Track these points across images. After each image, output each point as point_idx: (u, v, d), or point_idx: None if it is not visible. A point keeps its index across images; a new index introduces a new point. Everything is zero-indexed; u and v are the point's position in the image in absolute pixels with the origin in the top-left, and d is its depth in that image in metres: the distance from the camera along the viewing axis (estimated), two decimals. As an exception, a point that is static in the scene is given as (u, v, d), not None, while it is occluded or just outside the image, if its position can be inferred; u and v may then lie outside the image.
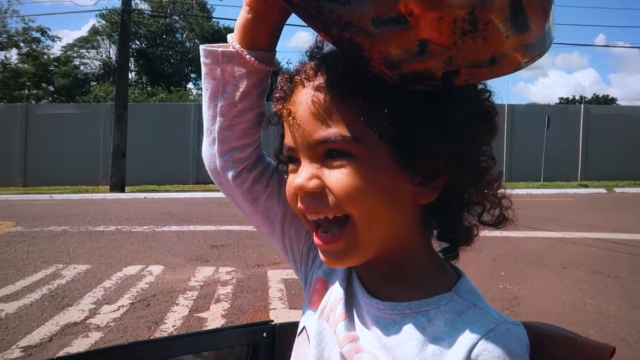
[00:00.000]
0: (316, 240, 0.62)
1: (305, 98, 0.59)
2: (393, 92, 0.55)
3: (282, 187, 0.72)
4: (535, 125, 16.70)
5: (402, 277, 0.64)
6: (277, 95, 0.65)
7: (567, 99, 43.54)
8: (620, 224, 8.04)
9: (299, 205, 0.62)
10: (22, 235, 6.81)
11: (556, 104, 36.09)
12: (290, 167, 0.64)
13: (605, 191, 14.95)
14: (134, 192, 14.31)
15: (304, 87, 0.60)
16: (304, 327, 0.73)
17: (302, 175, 0.59)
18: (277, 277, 4.59)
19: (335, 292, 0.70)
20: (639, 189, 15.17)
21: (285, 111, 0.63)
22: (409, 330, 0.60)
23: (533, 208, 10.29)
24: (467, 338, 0.56)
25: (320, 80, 0.59)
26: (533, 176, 16.74)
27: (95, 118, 17.37)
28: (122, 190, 14.35)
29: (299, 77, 0.61)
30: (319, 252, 0.64)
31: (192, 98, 28.94)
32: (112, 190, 14.32)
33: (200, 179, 17.15)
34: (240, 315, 3.64)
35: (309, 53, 0.64)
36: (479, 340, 0.55)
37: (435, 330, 0.58)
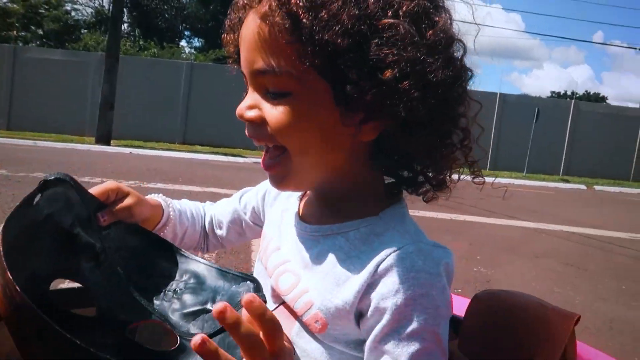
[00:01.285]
0: (261, 162, 0.68)
1: (250, 24, 0.61)
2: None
3: (241, 224, 0.97)
4: (524, 117, 16.88)
5: (335, 204, 0.69)
6: (228, 22, 0.69)
7: (558, 93, 43.85)
8: (595, 221, 8.29)
9: (245, 130, 0.67)
10: (7, 179, 6.78)
11: (547, 97, 36.38)
12: (244, 90, 0.68)
13: (584, 188, 15.28)
14: (119, 146, 14.19)
15: (249, 11, 0.62)
16: None
17: (244, 103, 0.64)
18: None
19: (270, 231, 0.81)
20: (618, 188, 15.55)
21: (232, 33, 0.68)
22: (327, 249, 0.65)
23: (514, 198, 10.52)
24: (378, 255, 0.60)
25: (262, 7, 0.59)
26: (517, 167, 17.01)
27: (85, 67, 17.04)
28: (108, 144, 14.23)
29: (250, 8, 0.62)
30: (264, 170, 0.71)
31: (184, 56, 28.43)
32: (98, 142, 14.18)
33: (187, 139, 17.08)
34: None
35: None
36: (387, 256, 0.59)
37: (351, 249, 0.63)
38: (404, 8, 0.57)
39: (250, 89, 0.64)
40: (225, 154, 14.45)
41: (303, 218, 0.74)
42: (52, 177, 0.67)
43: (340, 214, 0.68)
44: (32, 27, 31.64)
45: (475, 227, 6.67)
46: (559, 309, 0.70)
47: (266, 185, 0.89)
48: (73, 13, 34.01)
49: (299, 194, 0.79)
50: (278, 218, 0.80)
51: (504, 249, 5.58)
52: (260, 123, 0.62)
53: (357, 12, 0.55)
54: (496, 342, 0.71)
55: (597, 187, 15.46)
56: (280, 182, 0.67)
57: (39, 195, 0.64)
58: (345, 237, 0.65)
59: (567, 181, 16.41)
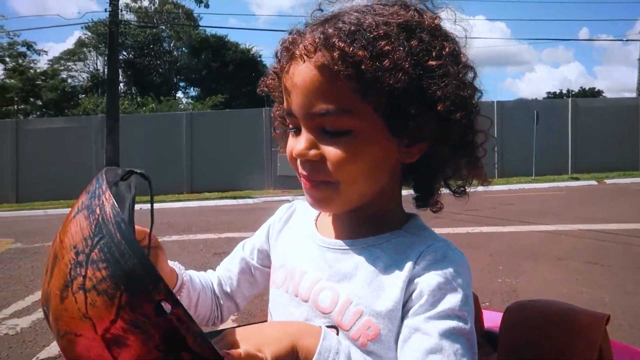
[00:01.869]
0: (304, 182, 0.71)
1: (305, 72, 0.65)
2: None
3: (252, 274, 0.94)
4: (524, 121, 16.90)
5: (367, 220, 0.75)
6: (273, 70, 0.75)
7: (554, 93, 43.99)
8: (611, 215, 8.22)
9: (299, 168, 0.71)
10: (24, 252, 6.85)
11: (544, 98, 36.48)
12: (291, 130, 0.72)
13: (596, 183, 15.18)
14: (129, 203, 14.29)
15: (303, 62, 0.66)
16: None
17: (302, 143, 0.67)
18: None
19: (289, 259, 0.81)
20: (629, 180, 15.42)
21: (284, 80, 0.70)
22: (365, 261, 0.71)
23: (526, 202, 10.48)
24: (411, 256, 0.68)
25: (320, 57, 0.64)
26: (525, 171, 16.94)
27: (86, 131, 17.33)
28: (118, 202, 14.34)
29: (298, 52, 0.67)
30: (306, 196, 0.73)
31: (182, 107, 28.94)
32: (108, 202, 14.29)
33: (195, 187, 17.18)
34: (250, 320, 3.73)
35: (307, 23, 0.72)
36: (422, 252, 0.68)
37: (387, 258, 0.70)
38: (446, 50, 0.67)
39: (303, 130, 0.68)
40: (234, 197, 14.53)
41: (329, 236, 0.78)
42: (139, 172, 0.70)
43: (369, 229, 0.74)
44: (31, 99, 32.41)
45: (494, 238, 6.63)
46: (588, 311, 0.72)
47: (268, 223, 0.93)
48: (69, 80, 34.89)
49: (313, 217, 0.84)
50: (294, 245, 0.83)
51: (525, 256, 5.54)
52: (319, 161, 0.67)
53: (414, 58, 0.64)
54: (534, 352, 0.73)
55: (608, 181, 15.35)
56: (325, 205, 0.72)
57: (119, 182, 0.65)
58: (380, 249, 0.71)
59: (577, 179, 16.31)
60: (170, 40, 35.83)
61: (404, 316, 0.65)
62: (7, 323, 3.85)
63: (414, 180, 0.78)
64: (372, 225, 0.74)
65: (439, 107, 0.64)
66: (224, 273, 0.97)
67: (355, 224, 0.75)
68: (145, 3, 35.15)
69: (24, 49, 30.58)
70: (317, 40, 0.65)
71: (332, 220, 0.80)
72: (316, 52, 0.64)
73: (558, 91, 43.68)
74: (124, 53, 33.53)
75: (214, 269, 1.00)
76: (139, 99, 28.66)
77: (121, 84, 32.61)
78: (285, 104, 0.71)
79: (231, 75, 32.22)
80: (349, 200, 0.71)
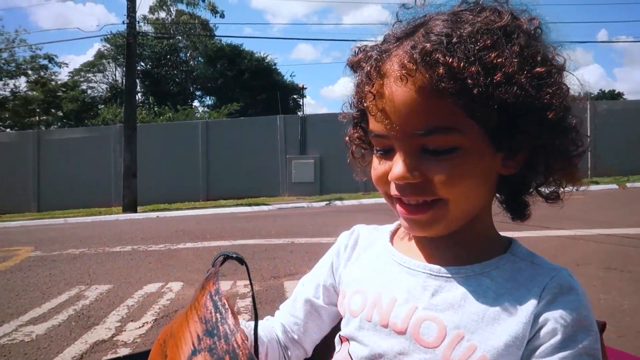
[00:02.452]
0: (400, 209, 0.67)
1: (403, 92, 0.60)
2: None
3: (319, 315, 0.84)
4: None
5: (467, 242, 0.69)
6: (363, 81, 0.66)
7: (573, 95, 43.44)
8: (632, 219, 8.04)
9: (393, 192, 0.66)
10: (42, 260, 6.96)
11: (562, 102, 35.95)
12: (379, 152, 0.67)
13: (616, 187, 14.89)
14: (146, 211, 14.48)
15: (401, 81, 0.60)
16: (343, 341, 0.76)
17: (402, 166, 0.63)
18: (294, 288, 4.67)
19: (369, 284, 0.73)
20: (650, 183, 15.10)
21: (373, 100, 0.64)
22: (475, 290, 0.65)
23: (545, 207, 10.20)
24: (533, 287, 0.63)
25: (421, 75, 0.59)
26: (542, 175, 16.72)
27: (105, 140, 17.66)
28: (135, 211, 14.54)
29: (392, 71, 0.62)
30: (401, 221, 0.69)
31: (198, 116, 29.25)
32: (125, 210, 14.51)
33: (211, 195, 17.34)
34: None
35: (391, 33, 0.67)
36: (546, 285, 0.63)
37: (499, 288, 0.64)
38: (550, 55, 0.64)
39: (400, 152, 0.63)
40: (250, 204, 14.59)
41: (419, 259, 0.71)
42: (234, 255, 0.65)
43: (471, 254, 0.69)
44: (53, 110, 33.11)
45: (509, 243, 6.54)
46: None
47: (329, 255, 0.86)
48: (89, 91, 35.59)
49: (387, 240, 0.78)
50: (373, 269, 0.75)
51: (542, 261, 5.44)
52: (421, 183, 0.63)
53: (527, 68, 0.60)
54: None
55: (629, 185, 15.05)
56: (428, 228, 0.66)
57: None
58: (489, 277, 0.66)
59: (597, 182, 16.02)
60: (186, 50, 36.34)
61: (528, 355, 0.61)
62: (23, 330, 3.91)
63: (505, 193, 0.73)
64: (473, 249, 0.69)
65: (549, 116, 0.61)
66: (288, 319, 0.86)
67: (453, 248, 0.70)
68: (162, 15, 35.80)
69: (45, 62, 31.29)
70: (415, 56, 0.59)
71: (416, 244, 0.74)
72: (417, 70, 0.59)
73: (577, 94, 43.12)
74: (142, 64, 34.11)
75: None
76: (156, 109, 29.07)
77: (139, 94, 33.15)
78: (371, 125, 0.67)
79: (246, 83, 32.52)
80: (457, 219, 0.66)
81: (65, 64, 33.48)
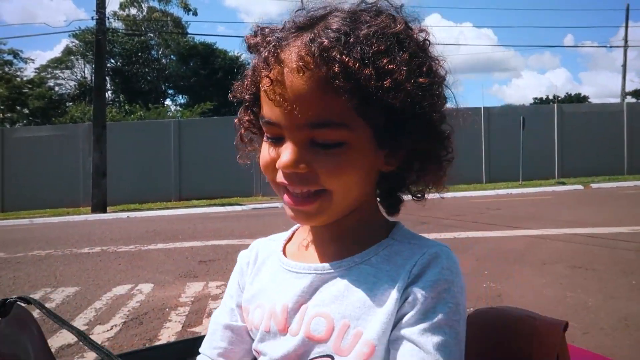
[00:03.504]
0: (286, 199, 0.68)
1: (298, 83, 0.61)
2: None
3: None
4: (511, 127, 17.05)
5: (349, 235, 0.73)
6: (260, 65, 0.66)
7: (540, 98, 44.46)
8: (597, 219, 8.29)
9: (279, 179, 0.67)
10: (6, 262, 6.75)
11: (530, 104, 36.89)
12: (269, 139, 0.68)
13: (582, 187, 15.33)
14: (116, 211, 14.19)
15: (297, 72, 0.61)
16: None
17: (290, 156, 0.64)
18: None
19: (265, 296, 0.75)
20: (614, 184, 15.59)
21: (269, 88, 0.64)
22: (356, 279, 0.68)
23: (514, 207, 10.54)
24: (406, 265, 0.66)
25: (317, 69, 0.61)
26: (512, 176, 17.09)
27: (73, 139, 17.21)
28: (104, 211, 14.23)
29: (289, 60, 0.62)
30: (286, 209, 0.69)
31: (170, 114, 28.82)
32: (94, 211, 14.19)
33: (183, 195, 17.10)
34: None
35: (294, 21, 0.67)
36: (416, 261, 0.66)
37: (377, 272, 0.67)
38: (434, 67, 0.68)
39: (289, 141, 0.65)
40: (223, 204, 14.46)
41: (310, 263, 0.73)
42: (14, 298, 0.56)
43: (354, 245, 0.72)
44: (18, 107, 32.12)
45: (480, 243, 6.65)
46: (547, 319, 0.71)
47: (234, 276, 0.85)
48: (57, 88, 34.66)
49: (280, 249, 0.80)
50: (268, 282, 0.77)
51: (511, 260, 5.56)
52: (308, 173, 0.65)
53: (414, 77, 0.63)
54: (492, 359, 0.72)
55: (593, 185, 15.50)
56: (313, 218, 0.69)
57: None
58: (369, 265, 0.69)
59: (563, 183, 16.46)
60: (158, 48, 35.76)
61: (394, 327, 0.64)
62: (-15, 335, 3.78)
63: (382, 188, 0.76)
64: (355, 240, 0.72)
65: (429, 123, 0.66)
66: (212, 353, 0.81)
67: (337, 243, 0.73)
68: (134, 11, 35.15)
69: (10, 57, 30.38)
70: (313, 49, 0.61)
71: (307, 246, 0.77)
72: (314, 64, 0.61)
73: (544, 97, 44.17)
74: (112, 61, 33.43)
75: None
76: (127, 107, 28.51)
77: (109, 92, 32.48)
78: (264, 111, 0.67)
79: (220, 82, 32.16)
80: (341, 210, 0.69)
81: (32, 59, 32.76)
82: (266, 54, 0.65)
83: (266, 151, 0.69)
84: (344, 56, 0.60)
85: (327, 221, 0.70)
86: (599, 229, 7.20)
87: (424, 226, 7.42)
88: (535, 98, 45.71)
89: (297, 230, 0.84)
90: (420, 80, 0.63)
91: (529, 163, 16.93)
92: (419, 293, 0.63)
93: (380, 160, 0.68)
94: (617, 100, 26.54)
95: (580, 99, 42.56)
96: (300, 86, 0.61)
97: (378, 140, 0.66)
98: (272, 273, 0.78)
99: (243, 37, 0.74)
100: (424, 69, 0.65)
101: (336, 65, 0.60)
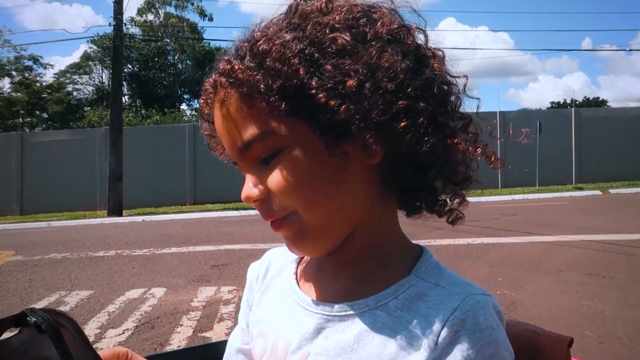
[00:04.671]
0: (271, 225, 0.62)
1: (218, 115, 0.60)
2: None
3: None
4: (527, 131, 16.85)
5: (358, 267, 0.62)
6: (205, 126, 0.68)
7: (558, 103, 43.97)
8: (615, 225, 8.14)
9: (261, 214, 0.62)
10: (23, 264, 6.85)
11: (547, 108, 36.45)
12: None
13: (600, 193, 15.08)
14: (131, 215, 14.34)
15: (214, 106, 0.62)
16: None
17: (246, 185, 0.60)
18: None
19: (271, 327, 0.68)
20: (633, 190, 15.31)
21: (208, 132, 0.66)
22: (369, 329, 0.57)
23: (529, 213, 10.41)
24: (432, 320, 0.54)
25: (222, 92, 0.59)
26: (528, 181, 16.88)
27: (91, 143, 17.46)
28: (120, 214, 14.39)
29: (206, 99, 0.64)
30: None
31: (186, 119, 29.08)
32: (110, 214, 14.35)
33: (197, 199, 17.21)
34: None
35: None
36: (445, 323, 0.53)
37: (396, 323, 0.56)
38: (381, 28, 0.57)
39: (245, 171, 0.61)
40: (237, 209, 14.51)
41: (319, 298, 0.63)
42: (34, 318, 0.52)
43: (369, 283, 0.61)
44: (37, 112, 32.72)
45: (494, 249, 6.57)
46: (551, 334, 0.69)
47: (246, 289, 0.80)
48: (75, 93, 35.24)
49: (292, 270, 0.72)
50: (274, 307, 0.70)
51: (526, 267, 5.48)
52: (267, 197, 0.59)
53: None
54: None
55: (612, 191, 15.24)
56: (296, 241, 0.61)
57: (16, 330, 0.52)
58: (385, 311, 0.57)
59: (581, 189, 16.22)
60: (174, 53, 36.16)
61: None
62: None
63: (399, 183, 0.61)
64: (368, 275, 0.61)
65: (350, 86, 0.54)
66: None
67: (347, 277, 0.63)
68: (150, 17, 35.64)
69: (30, 63, 30.99)
70: (211, 81, 0.62)
71: (318, 271, 0.67)
72: (221, 84, 0.59)
73: (562, 101, 43.67)
74: (129, 66, 33.86)
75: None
76: (143, 111, 28.86)
77: (126, 97, 32.90)
78: (225, 153, 0.65)
79: (235, 87, 32.46)
80: (323, 230, 0.59)
81: (51, 65, 33.23)
82: (204, 96, 0.65)
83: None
84: (232, 59, 0.59)
85: (319, 248, 0.61)
86: (617, 236, 7.07)
87: (438, 232, 7.36)
88: (553, 102, 45.25)
89: None
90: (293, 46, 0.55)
91: (546, 168, 16.71)
92: None
93: (357, 154, 0.57)
94: (637, 104, 26.10)
95: (598, 103, 42.01)
96: (221, 118, 0.60)
97: (316, 128, 0.55)
98: (281, 297, 0.69)
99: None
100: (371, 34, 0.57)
101: (223, 79, 0.59)
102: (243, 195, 0.60)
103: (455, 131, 0.60)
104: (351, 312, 0.59)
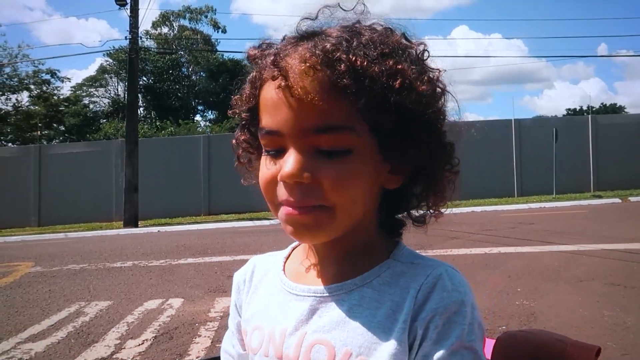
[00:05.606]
0: (286, 211, 0.63)
1: (303, 85, 0.59)
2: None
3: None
4: (543, 139, 16.71)
5: (350, 256, 0.69)
6: (257, 76, 0.66)
7: (574, 109, 43.54)
8: (636, 233, 7.99)
9: (281, 196, 0.63)
10: (42, 275, 6.94)
11: (563, 115, 36.13)
12: (270, 153, 0.65)
13: (619, 201, 14.83)
14: (147, 226, 14.46)
15: (301, 77, 0.59)
16: None
17: (294, 164, 0.60)
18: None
19: (264, 319, 0.72)
20: (653, 197, 15.05)
21: (267, 97, 0.63)
22: (358, 304, 0.65)
23: (547, 222, 10.27)
24: (410, 289, 0.63)
25: (321, 71, 0.59)
26: (545, 190, 16.68)
27: (107, 155, 17.68)
28: (136, 225, 14.52)
29: (297, 67, 0.60)
30: (285, 225, 0.65)
31: (200, 130, 29.35)
32: (126, 225, 14.49)
33: (212, 210, 17.31)
34: None
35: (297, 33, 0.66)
36: (421, 285, 0.62)
37: (380, 295, 0.64)
38: (435, 77, 0.66)
39: (293, 150, 0.61)
40: (251, 219, 14.57)
41: (310, 285, 0.70)
42: None
43: (354, 266, 0.68)
44: (54, 125, 33.26)
45: (512, 258, 6.50)
46: (579, 343, 0.69)
47: (232, 294, 0.83)
48: (91, 106, 35.80)
49: (280, 268, 0.76)
50: (266, 303, 0.74)
51: (545, 277, 5.40)
52: (310, 184, 0.61)
53: (428, 83, 0.63)
54: (524, 386, 0.70)
55: (632, 199, 14.98)
56: (314, 234, 0.64)
57: None
58: (370, 287, 0.65)
59: (599, 197, 15.98)
60: (188, 65, 36.60)
61: (409, 352, 0.60)
62: (22, 347, 3.88)
63: (382, 208, 0.71)
64: (356, 261, 0.68)
65: (435, 131, 0.64)
66: None
67: (337, 264, 0.69)
68: (165, 30, 36.16)
69: (47, 77, 31.54)
70: (317, 52, 0.59)
71: (307, 265, 0.73)
72: (318, 66, 0.59)
73: (578, 108, 43.22)
74: (144, 78, 34.34)
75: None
76: (158, 123, 29.19)
77: (141, 109, 33.32)
78: (264, 122, 0.64)
79: (248, 98, 32.68)
80: (342, 226, 0.64)
81: (68, 78, 33.86)
82: (267, 61, 0.64)
83: (266, 167, 0.65)
84: (350, 55, 0.59)
85: (328, 238, 0.65)
86: (638, 245, 6.95)
87: (454, 241, 7.33)
88: (569, 109, 44.82)
89: (296, 247, 0.80)
90: (424, 87, 0.62)
91: (563, 176, 16.50)
92: (429, 321, 0.60)
93: (383, 175, 0.65)
94: (654, 110, 25.72)
95: (615, 109, 41.53)
96: (304, 89, 0.59)
97: (384, 149, 0.62)
98: (272, 292, 0.74)
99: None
100: (425, 77, 0.64)
101: (342, 65, 0.58)
102: (288, 172, 0.60)
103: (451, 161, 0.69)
104: (341, 291, 0.66)
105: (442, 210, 0.72)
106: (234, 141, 0.77)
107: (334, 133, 0.59)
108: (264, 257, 0.83)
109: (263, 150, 0.67)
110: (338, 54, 0.59)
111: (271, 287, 0.75)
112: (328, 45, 0.60)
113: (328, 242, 0.66)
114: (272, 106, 0.62)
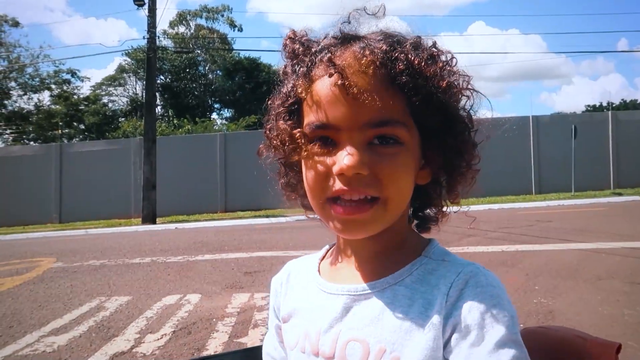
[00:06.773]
0: (338, 210, 0.64)
1: (361, 81, 0.62)
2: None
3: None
4: (562, 136, 16.47)
5: (384, 253, 0.71)
6: (305, 73, 0.67)
7: (593, 105, 42.79)
8: (657, 232, 7.85)
9: (337, 187, 0.63)
10: (64, 271, 7.07)
11: (582, 112, 35.53)
12: (319, 148, 0.65)
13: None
14: (165, 223, 14.62)
15: (361, 71, 0.62)
16: None
17: (354, 157, 0.62)
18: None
19: (300, 318, 0.75)
20: (675, 195, 14.74)
21: (320, 91, 0.64)
22: (390, 302, 0.66)
23: (566, 220, 10.14)
24: (442, 286, 0.64)
25: (380, 70, 0.62)
26: (564, 187, 16.46)
27: (125, 153, 17.91)
28: (154, 222, 14.69)
29: (355, 63, 0.62)
30: (334, 224, 0.66)
31: (216, 128, 29.48)
32: (144, 222, 14.67)
33: (229, 207, 17.42)
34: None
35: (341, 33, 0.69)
36: (452, 283, 0.63)
37: (412, 293, 0.65)
38: (462, 82, 0.70)
39: (350, 143, 0.63)
40: (267, 216, 14.64)
41: (343, 283, 0.72)
42: None
43: (388, 265, 0.70)
44: (75, 123, 33.79)
45: (529, 256, 6.43)
46: (598, 340, 0.69)
47: (271, 298, 0.86)
48: (110, 104, 36.26)
49: (315, 269, 0.79)
50: (302, 302, 0.77)
51: (563, 275, 5.34)
52: (369, 176, 0.63)
53: (467, 83, 0.69)
54: (542, 381, 0.70)
55: (653, 196, 14.71)
56: (368, 227, 0.66)
57: None
58: (403, 285, 0.67)
59: (619, 194, 15.71)
60: (205, 63, 36.79)
61: (448, 356, 0.61)
62: (45, 341, 3.97)
63: (412, 205, 0.76)
64: (390, 258, 0.70)
65: (467, 131, 0.69)
66: None
67: (372, 262, 0.71)
68: (182, 29, 36.43)
69: (68, 76, 32.07)
70: (376, 50, 0.63)
71: (341, 265, 0.75)
72: (378, 61, 0.62)
73: (598, 104, 42.47)
74: (162, 77, 34.63)
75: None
76: (175, 121, 29.40)
77: (159, 107, 33.62)
78: (314, 117, 0.65)
79: (264, 96, 32.40)
80: (391, 219, 0.67)
81: (88, 78, 34.46)
82: (316, 58, 0.66)
83: (315, 164, 0.65)
84: (409, 55, 0.63)
85: (376, 232, 0.67)
86: (659, 243, 6.83)
87: (471, 239, 7.28)
88: (588, 105, 44.07)
89: (330, 249, 0.82)
90: (463, 90, 0.69)
91: (582, 173, 16.25)
92: (467, 315, 0.60)
93: (417, 171, 0.69)
94: (677, 106, 25.14)
95: (636, 105, 40.67)
96: (363, 85, 0.61)
97: (426, 145, 0.67)
98: (307, 292, 0.77)
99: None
100: (462, 80, 0.69)
101: (400, 63, 0.62)
102: (349, 164, 0.61)
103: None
104: (374, 290, 0.68)
105: (461, 207, 0.74)
106: (267, 133, 0.76)
107: (390, 127, 0.63)
108: (298, 261, 0.86)
109: (305, 146, 0.66)
110: (396, 54, 0.63)
111: (307, 287, 0.78)
112: (385, 46, 0.64)
113: (367, 238, 0.68)
114: (328, 102, 0.64)
